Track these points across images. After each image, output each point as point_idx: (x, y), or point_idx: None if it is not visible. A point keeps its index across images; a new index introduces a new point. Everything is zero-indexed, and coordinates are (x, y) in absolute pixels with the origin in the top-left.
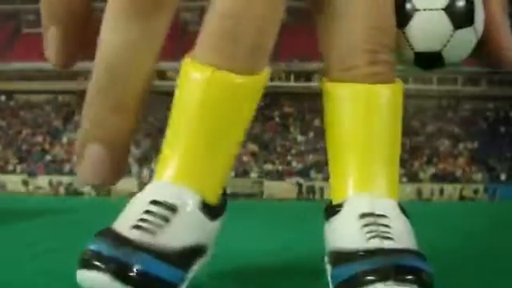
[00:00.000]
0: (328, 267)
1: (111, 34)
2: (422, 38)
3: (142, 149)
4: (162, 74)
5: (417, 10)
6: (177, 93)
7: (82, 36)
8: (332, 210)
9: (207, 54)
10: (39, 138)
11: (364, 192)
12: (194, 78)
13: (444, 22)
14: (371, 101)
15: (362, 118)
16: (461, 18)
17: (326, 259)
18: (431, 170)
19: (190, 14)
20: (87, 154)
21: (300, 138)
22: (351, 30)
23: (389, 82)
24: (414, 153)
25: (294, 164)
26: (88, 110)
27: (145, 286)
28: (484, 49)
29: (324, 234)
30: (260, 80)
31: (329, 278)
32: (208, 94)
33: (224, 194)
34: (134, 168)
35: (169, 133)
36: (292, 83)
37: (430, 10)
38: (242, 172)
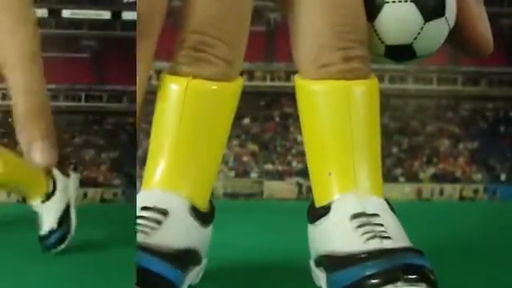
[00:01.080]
0: (319, 272)
1: None
2: (391, 30)
3: (141, 148)
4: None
5: (386, 2)
6: (157, 105)
7: None
8: (317, 212)
9: (182, 66)
10: None
11: (350, 192)
12: (172, 89)
13: (414, 14)
14: (349, 97)
15: (341, 115)
16: (431, 10)
17: (314, 263)
18: (431, 170)
19: None
20: None
21: (300, 137)
22: (321, 27)
23: (364, 77)
24: (414, 153)
25: (294, 164)
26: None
27: (143, 283)
28: (459, 36)
29: (309, 237)
30: (235, 86)
31: (322, 284)
32: (186, 101)
33: (210, 202)
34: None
35: (152, 144)
36: (292, 83)
37: (400, 2)
38: (242, 172)
